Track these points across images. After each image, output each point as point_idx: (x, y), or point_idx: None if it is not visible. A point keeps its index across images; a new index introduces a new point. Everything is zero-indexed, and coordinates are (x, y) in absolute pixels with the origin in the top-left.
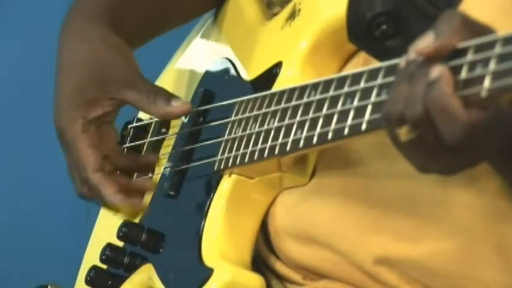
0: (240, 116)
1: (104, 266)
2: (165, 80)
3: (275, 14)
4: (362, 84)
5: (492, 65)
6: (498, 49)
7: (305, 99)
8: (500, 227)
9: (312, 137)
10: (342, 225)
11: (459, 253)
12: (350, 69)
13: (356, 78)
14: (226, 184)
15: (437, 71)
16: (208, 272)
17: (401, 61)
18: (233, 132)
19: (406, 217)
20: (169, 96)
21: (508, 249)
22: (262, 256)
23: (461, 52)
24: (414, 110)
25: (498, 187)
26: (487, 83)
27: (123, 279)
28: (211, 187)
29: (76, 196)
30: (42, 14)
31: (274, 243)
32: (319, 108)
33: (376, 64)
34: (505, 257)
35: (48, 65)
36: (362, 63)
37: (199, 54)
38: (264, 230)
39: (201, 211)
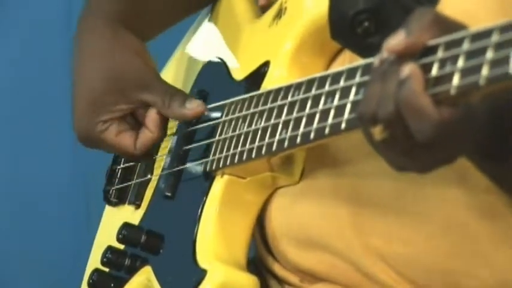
0: (230, 117)
1: (106, 269)
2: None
3: None
4: (342, 83)
5: (460, 62)
6: (466, 46)
7: (289, 99)
8: (493, 223)
9: (295, 136)
10: (334, 225)
11: (454, 250)
12: (336, 67)
13: (336, 77)
14: (218, 185)
15: (407, 69)
16: (202, 273)
17: (375, 60)
18: (224, 133)
19: (398, 215)
20: (184, 98)
21: (505, 244)
22: (261, 258)
23: (432, 50)
24: (386, 108)
25: (489, 183)
26: (455, 80)
27: (125, 281)
28: (204, 188)
29: (76, 203)
30: (43, 15)
31: (271, 245)
32: (302, 107)
33: (356, 62)
34: (502, 252)
35: (48, 65)
36: (348, 60)
37: (195, 54)
38: (262, 232)
39: (195, 212)
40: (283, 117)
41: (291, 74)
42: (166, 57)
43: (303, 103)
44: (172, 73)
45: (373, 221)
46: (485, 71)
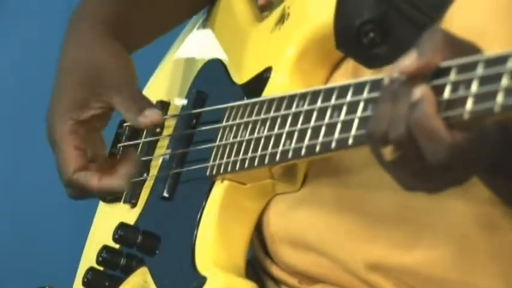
0: (231, 122)
1: (101, 268)
2: (159, 79)
3: None
4: (349, 98)
5: (474, 87)
6: (480, 70)
7: (294, 109)
8: (494, 234)
9: (300, 148)
10: (334, 233)
11: (454, 260)
12: (339, 76)
13: (343, 90)
14: (218, 190)
15: (419, 91)
16: (201, 280)
17: (385, 78)
18: (224, 138)
19: (399, 225)
20: (144, 106)
21: (502, 256)
22: (259, 260)
23: (445, 71)
24: (397, 130)
25: (491, 194)
26: (469, 105)
27: (120, 281)
28: (204, 192)
29: (74, 203)
30: (43, 14)
31: (269, 248)
32: (307, 119)
33: (363, 77)
34: (499, 263)
35: (48, 65)
36: (351, 69)
37: (192, 54)
38: (259, 234)
39: (194, 217)
40: (287, 127)
41: (293, 81)
42: (159, 58)
43: (308, 115)
44: (166, 74)
45: (374, 231)
46: (500, 98)
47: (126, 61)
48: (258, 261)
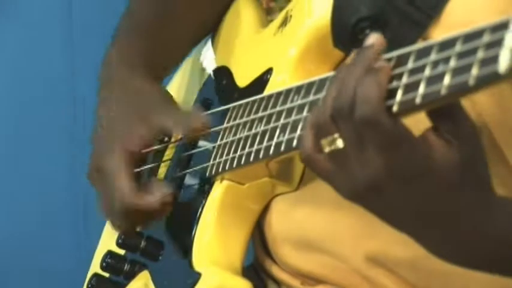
0: (231, 123)
1: (106, 274)
2: (173, 89)
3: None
4: None
5: (427, 71)
6: (433, 56)
7: (288, 103)
8: None
9: (292, 139)
10: (335, 230)
11: None
12: None
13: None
14: (217, 190)
15: (379, 63)
16: (196, 277)
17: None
18: (225, 138)
19: None
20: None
21: None
22: (261, 262)
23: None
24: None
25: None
26: (421, 89)
27: (123, 287)
28: (203, 193)
29: (74, 203)
30: (43, 14)
31: (272, 249)
32: (300, 111)
33: None
34: None
35: (48, 65)
36: None
37: (204, 64)
38: (262, 236)
39: (194, 217)
40: (282, 120)
41: (293, 80)
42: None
43: (301, 106)
44: (180, 83)
45: (374, 226)
46: (447, 80)
47: (172, 100)
48: (260, 263)
